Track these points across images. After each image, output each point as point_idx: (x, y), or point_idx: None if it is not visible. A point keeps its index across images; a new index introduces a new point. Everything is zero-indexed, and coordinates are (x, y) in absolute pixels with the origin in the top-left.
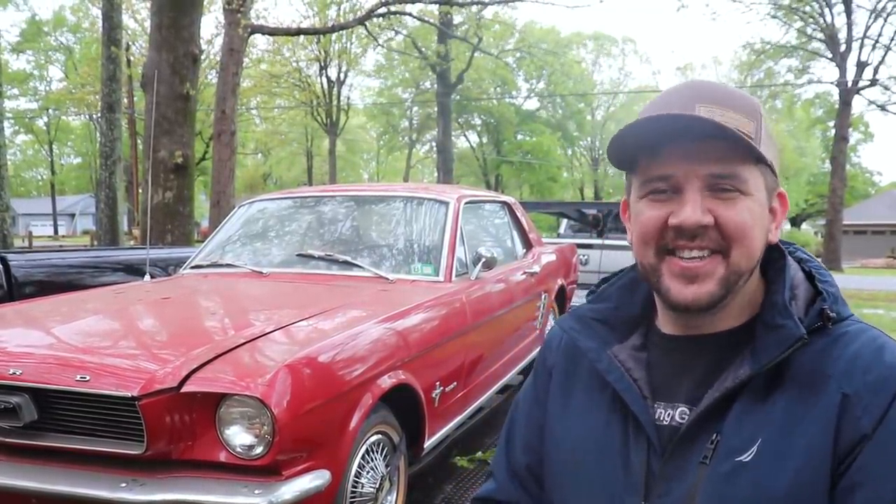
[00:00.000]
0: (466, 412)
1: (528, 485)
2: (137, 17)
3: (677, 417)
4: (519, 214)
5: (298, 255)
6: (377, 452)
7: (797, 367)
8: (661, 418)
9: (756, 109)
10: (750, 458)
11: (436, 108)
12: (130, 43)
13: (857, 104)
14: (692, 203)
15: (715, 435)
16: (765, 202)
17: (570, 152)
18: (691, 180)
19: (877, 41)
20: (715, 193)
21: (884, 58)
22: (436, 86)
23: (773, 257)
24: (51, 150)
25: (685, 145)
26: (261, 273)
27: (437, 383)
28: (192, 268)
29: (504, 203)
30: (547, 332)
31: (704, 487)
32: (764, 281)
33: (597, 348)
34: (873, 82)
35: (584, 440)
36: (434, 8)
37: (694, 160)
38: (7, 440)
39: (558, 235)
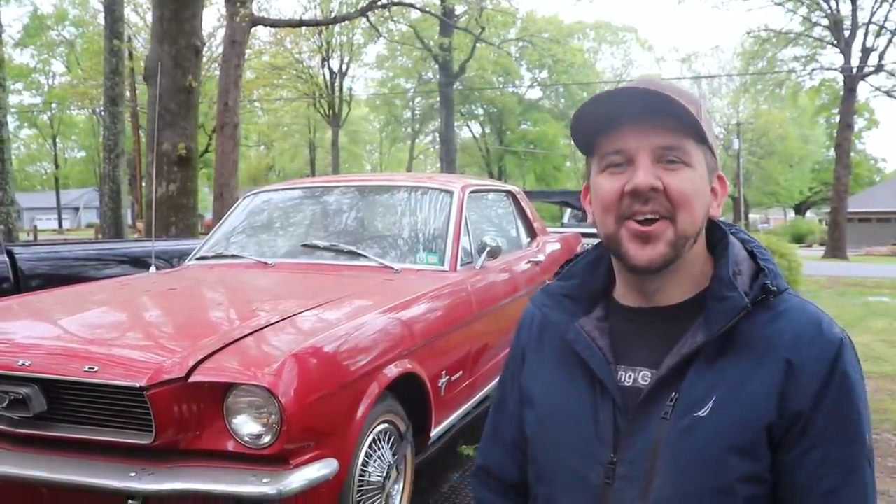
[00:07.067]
0: (472, 401)
1: (519, 458)
2: (139, 10)
3: (640, 380)
4: (523, 203)
5: (303, 245)
6: (384, 441)
7: (745, 335)
8: (624, 380)
9: (697, 99)
10: (706, 413)
11: (438, 99)
12: (133, 36)
13: (862, 90)
14: (644, 169)
15: (674, 394)
16: (705, 177)
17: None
18: (643, 152)
19: (882, 26)
20: (663, 164)
21: (889, 43)
22: (438, 76)
23: (718, 238)
24: (54, 143)
25: (637, 122)
26: (266, 264)
27: (444, 372)
28: (198, 259)
29: (508, 192)
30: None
31: (666, 439)
32: (711, 259)
33: (566, 321)
34: (879, 68)
35: (557, 405)
36: None
37: (645, 135)
38: (17, 430)
39: (562, 224)
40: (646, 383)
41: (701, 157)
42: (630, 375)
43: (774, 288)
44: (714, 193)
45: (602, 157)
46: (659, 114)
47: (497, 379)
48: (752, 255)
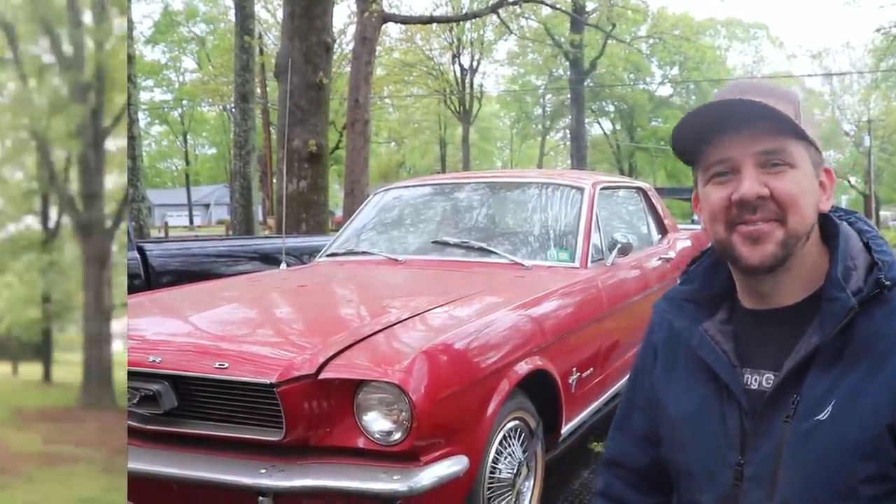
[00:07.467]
0: (603, 398)
1: (647, 449)
2: (270, 6)
3: (764, 383)
4: (654, 200)
5: (434, 242)
6: (514, 438)
7: (862, 334)
8: (749, 383)
9: (793, 97)
10: (826, 416)
11: (569, 96)
12: (263, 33)
13: None
14: (749, 179)
15: (795, 397)
16: (811, 174)
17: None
18: (746, 159)
19: None
20: (767, 169)
21: None
22: (569, 73)
23: (831, 232)
24: (185, 140)
25: (737, 131)
26: (396, 260)
27: (574, 369)
28: (328, 256)
29: (639, 189)
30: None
31: (789, 441)
32: (827, 253)
33: (689, 326)
34: None
35: (687, 409)
36: None
37: (746, 142)
38: (148, 427)
39: (693, 221)
40: (769, 386)
41: (804, 155)
42: (755, 378)
43: (888, 282)
44: (822, 188)
45: (707, 168)
46: (758, 119)
47: (627, 375)
48: (867, 246)
